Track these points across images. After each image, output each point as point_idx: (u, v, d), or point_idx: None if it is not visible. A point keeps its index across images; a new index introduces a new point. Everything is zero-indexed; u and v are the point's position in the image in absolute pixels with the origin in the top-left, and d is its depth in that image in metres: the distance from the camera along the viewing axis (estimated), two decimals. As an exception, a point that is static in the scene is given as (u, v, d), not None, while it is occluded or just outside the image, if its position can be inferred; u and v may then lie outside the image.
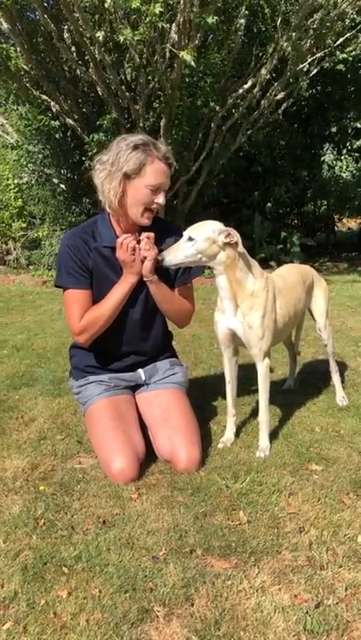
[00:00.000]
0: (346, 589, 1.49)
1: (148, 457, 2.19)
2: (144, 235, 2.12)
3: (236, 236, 2.14)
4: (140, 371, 2.35)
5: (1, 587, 1.52)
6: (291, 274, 2.68)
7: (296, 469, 2.14)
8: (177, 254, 2.12)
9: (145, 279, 2.18)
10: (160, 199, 2.15)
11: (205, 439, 2.36)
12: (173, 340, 2.59)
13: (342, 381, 2.98)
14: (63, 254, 2.22)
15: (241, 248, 2.17)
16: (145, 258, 2.13)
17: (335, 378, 2.90)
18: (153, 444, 2.22)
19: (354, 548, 1.67)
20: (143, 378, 2.35)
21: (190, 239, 2.12)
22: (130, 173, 2.09)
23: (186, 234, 2.15)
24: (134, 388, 2.37)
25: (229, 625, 1.37)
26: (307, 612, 1.41)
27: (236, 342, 2.39)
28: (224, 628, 1.36)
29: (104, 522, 1.80)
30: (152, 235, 2.13)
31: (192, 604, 1.44)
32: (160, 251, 2.15)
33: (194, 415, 2.30)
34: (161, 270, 2.19)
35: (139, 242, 2.14)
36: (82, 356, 2.35)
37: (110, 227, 2.23)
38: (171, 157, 2.16)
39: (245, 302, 2.25)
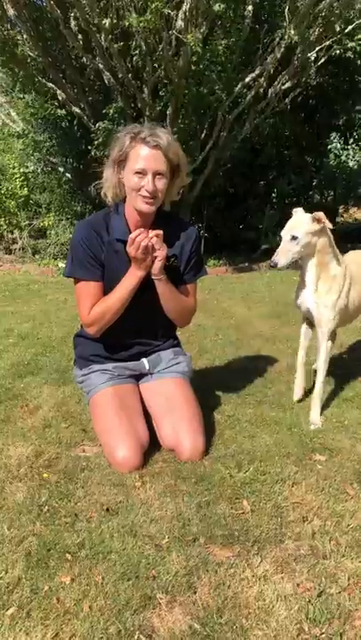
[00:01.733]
0: (348, 579, 1.49)
1: (152, 446, 2.19)
2: (152, 233, 2.08)
3: (324, 219, 2.35)
4: (144, 360, 2.35)
5: (5, 572, 1.52)
6: None
7: (300, 459, 2.14)
8: (287, 256, 2.35)
9: (153, 277, 2.17)
10: (149, 185, 2.06)
11: (209, 428, 2.36)
12: (178, 330, 2.58)
13: (349, 374, 2.97)
14: (76, 245, 2.19)
15: (329, 225, 2.37)
16: (155, 257, 2.12)
17: None
18: (157, 433, 2.22)
19: (357, 537, 1.67)
20: (147, 367, 2.35)
21: (294, 238, 2.34)
22: (117, 160, 2.10)
23: (287, 234, 2.36)
24: (138, 377, 2.36)
25: (232, 613, 1.38)
26: (309, 601, 1.41)
27: (310, 316, 2.60)
28: (226, 616, 1.37)
29: (107, 509, 1.81)
30: (161, 232, 2.08)
31: (195, 592, 1.45)
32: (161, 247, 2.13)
33: (198, 404, 2.30)
34: (168, 268, 2.18)
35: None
36: (86, 344, 2.35)
37: (124, 219, 2.20)
38: (161, 139, 2.06)
39: (326, 284, 2.46)
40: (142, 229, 2.09)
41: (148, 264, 2.12)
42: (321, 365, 2.55)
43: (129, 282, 2.15)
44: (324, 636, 1.30)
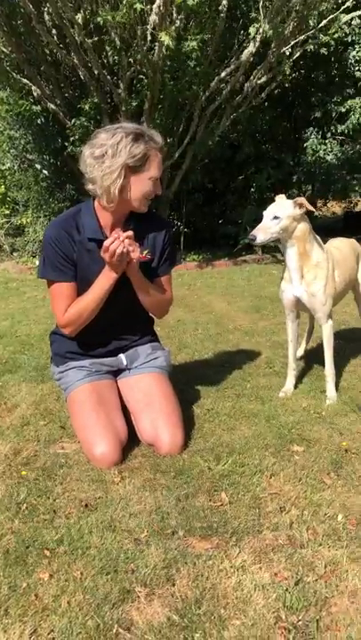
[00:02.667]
0: (325, 567, 1.51)
1: (131, 441, 2.19)
2: (123, 235, 2.07)
3: (305, 203, 2.44)
4: (122, 355, 2.35)
5: (-18, 571, 1.52)
6: (344, 246, 2.98)
7: (278, 450, 2.15)
8: (266, 233, 2.43)
9: (128, 274, 2.17)
10: (159, 190, 2.17)
11: (188, 422, 2.37)
12: (158, 325, 2.59)
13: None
14: (47, 247, 2.17)
15: (310, 208, 2.45)
16: (131, 259, 2.11)
17: None
18: (136, 428, 2.22)
19: (334, 526, 1.69)
20: (125, 363, 2.35)
21: (276, 218, 2.43)
22: (135, 166, 2.05)
23: (270, 213, 2.45)
24: (116, 372, 2.36)
25: (210, 603, 1.39)
26: (286, 590, 1.42)
27: (299, 308, 2.72)
28: (205, 607, 1.37)
29: (86, 505, 1.81)
30: (131, 234, 2.07)
31: (173, 584, 1.46)
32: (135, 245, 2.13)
33: (176, 398, 2.31)
34: (142, 262, 2.19)
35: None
36: (62, 342, 2.34)
37: (94, 216, 2.18)
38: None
39: (310, 272, 2.56)
40: (115, 235, 2.06)
41: (123, 266, 2.12)
42: (327, 346, 2.69)
43: (103, 282, 2.14)
44: (300, 623, 1.32)
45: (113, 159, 2.02)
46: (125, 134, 2.03)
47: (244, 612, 1.36)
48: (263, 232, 2.44)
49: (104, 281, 2.14)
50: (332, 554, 1.56)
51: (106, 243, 2.05)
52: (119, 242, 2.04)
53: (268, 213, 2.47)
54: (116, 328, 2.32)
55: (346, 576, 1.47)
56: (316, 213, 12.18)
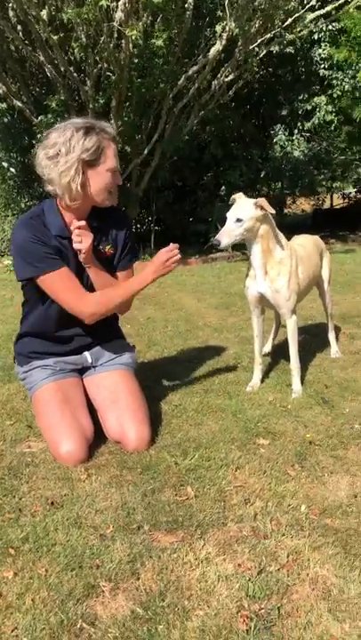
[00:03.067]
0: (288, 556, 1.54)
1: (98, 438, 2.19)
2: (75, 225, 2.08)
3: (265, 205, 2.46)
4: (87, 353, 2.34)
5: None
6: (308, 243, 3.02)
7: (244, 444, 2.18)
8: (230, 236, 2.44)
9: (84, 265, 2.17)
10: (119, 180, 2.16)
11: (156, 418, 2.38)
12: (127, 323, 2.59)
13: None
14: (25, 245, 2.10)
15: (271, 210, 2.47)
16: (80, 250, 2.12)
17: (331, 335, 3.28)
18: (102, 425, 2.22)
19: (297, 516, 1.72)
20: (90, 360, 2.34)
21: (238, 220, 2.43)
22: (91, 160, 2.05)
23: (232, 215, 2.45)
24: (81, 370, 2.36)
25: (174, 595, 1.40)
26: (249, 580, 1.45)
27: (263, 304, 2.74)
28: (169, 599, 1.39)
29: (52, 503, 1.81)
30: (83, 223, 2.10)
31: (138, 578, 1.47)
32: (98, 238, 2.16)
33: (143, 395, 2.32)
34: (104, 256, 2.20)
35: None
36: (25, 342, 2.32)
37: (58, 214, 2.17)
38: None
39: (274, 269, 2.59)
40: (77, 232, 2.10)
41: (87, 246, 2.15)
42: (291, 340, 2.72)
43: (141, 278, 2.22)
44: (263, 611, 1.34)
45: (67, 156, 2.01)
46: (76, 129, 2.04)
47: (208, 602, 1.38)
48: (227, 236, 2.45)
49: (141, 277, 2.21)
50: (294, 543, 1.59)
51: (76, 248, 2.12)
52: (85, 241, 2.08)
53: (230, 216, 2.47)
54: (81, 326, 2.31)
55: (308, 564, 1.50)
56: (286, 211, 12.31)
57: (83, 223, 2.09)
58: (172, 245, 2.18)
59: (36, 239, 2.10)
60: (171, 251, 2.16)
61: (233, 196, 2.60)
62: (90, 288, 2.23)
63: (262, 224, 2.51)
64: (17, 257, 2.16)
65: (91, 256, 2.16)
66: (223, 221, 2.53)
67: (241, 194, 2.61)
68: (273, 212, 2.50)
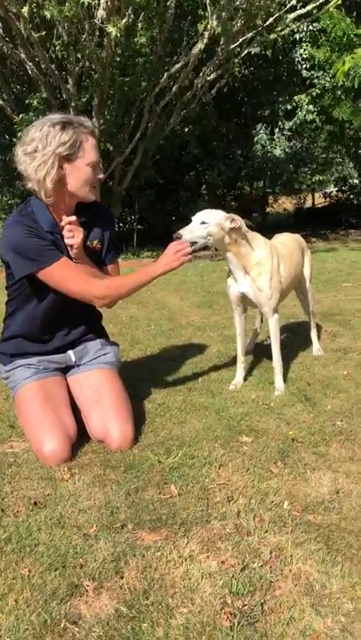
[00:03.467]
0: (271, 552, 1.55)
1: (82, 437, 2.19)
2: (65, 220, 2.08)
3: (239, 221, 2.46)
4: (70, 352, 2.34)
5: None
6: (289, 241, 3.03)
7: (227, 442, 2.19)
8: (192, 233, 2.39)
9: (75, 261, 2.17)
10: (100, 174, 2.16)
11: (140, 417, 2.38)
12: (110, 322, 2.59)
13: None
14: (21, 242, 2.08)
15: (244, 229, 2.50)
16: (71, 246, 2.13)
17: (313, 333, 3.29)
18: (86, 424, 2.21)
19: (280, 513, 1.73)
20: (73, 359, 2.34)
21: (203, 223, 2.41)
22: (68, 155, 2.04)
23: (198, 218, 2.42)
24: (65, 369, 2.35)
25: (158, 593, 1.40)
26: (233, 576, 1.45)
27: (245, 303, 2.75)
28: (152, 597, 1.39)
29: (35, 503, 1.80)
30: (73, 218, 2.11)
31: (122, 577, 1.47)
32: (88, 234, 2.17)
33: (126, 394, 2.31)
34: (89, 251, 2.21)
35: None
36: (9, 341, 2.31)
37: (47, 210, 2.16)
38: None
39: (254, 270, 2.59)
40: (68, 227, 2.11)
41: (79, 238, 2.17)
42: (273, 339, 2.74)
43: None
44: (246, 607, 1.35)
45: (44, 151, 2.02)
46: (52, 124, 2.04)
47: (192, 599, 1.38)
48: (190, 232, 2.38)
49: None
50: (277, 540, 1.60)
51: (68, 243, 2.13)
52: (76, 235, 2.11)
53: (195, 218, 2.44)
54: (65, 324, 2.30)
55: (290, 560, 1.51)
56: (268, 210, 12.37)
57: (73, 218, 2.10)
58: (180, 238, 2.25)
59: (32, 234, 2.08)
60: (180, 244, 2.20)
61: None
62: None
63: (228, 235, 2.48)
64: (14, 255, 2.10)
65: (82, 251, 2.17)
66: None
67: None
68: (245, 230, 2.51)
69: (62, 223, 2.07)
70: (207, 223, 2.42)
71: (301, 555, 1.53)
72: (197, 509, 1.75)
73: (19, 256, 2.10)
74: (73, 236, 2.11)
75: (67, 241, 2.12)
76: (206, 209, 2.54)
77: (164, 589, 1.42)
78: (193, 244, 2.35)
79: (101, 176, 2.16)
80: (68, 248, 2.15)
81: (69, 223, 2.09)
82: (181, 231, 2.40)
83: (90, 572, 1.48)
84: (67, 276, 2.12)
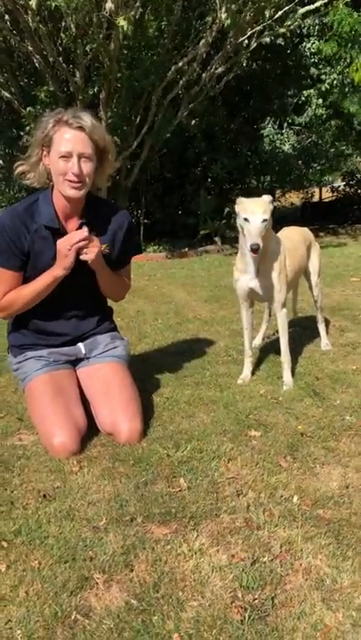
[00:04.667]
0: (281, 546, 1.54)
1: (91, 430, 2.19)
2: (78, 237, 2.08)
3: (271, 199, 2.48)
4: (80, 345, 2.33)
5: None
6: (294, 235, 3.01)
7: (236, 436, 2.18)
8: (260, 236, 2.38)
9: (93, 268, 2.17)
10: (74, 167, 2.04)
11: (148, 411, 2.38)
12: (118, 316, 2.59)
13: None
14: (2, 231, 2.14)
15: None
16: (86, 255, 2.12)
17: (321, 327, 3.27)
18: (95, 417, 2.21)
19: (289, 507, 1.72)
20: (83, 352, 2.33)
21: (264, 220, 2.40)
22: (40, 143, 2.07)
23: (260, 218, 2.39)
24: (75, 362, 2.35)
25: (168, 587, 1.40)
26: (243, 570, 1.45)
27: (253, 297, 2.75)
28: (163, 590, 1.39)
29: (44, 496, 1.80)
30: (85, 233, 2.10)
31: (132, 570, 1.47)
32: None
33: (135, 388, 2.31)
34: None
35: (81, 226, 2.14)
36: (19, 332, 2.31)
37: (51, 204, 2.16)
38: (85, 121, 2.04)
39: (265, 263, 2.59)
40: (81, 231, 2.09)
41: (70, 263, 2.10)
42: (282, 333, 2.73)
43: (46, 279, 2.14)
44: (256, 601, 1.35)
45: (33, 144, 2.10)
46: (53, 114, 2.07)
47: (202, 593, 1.38)
48: (258, 238, 2.38)
49: (47, 278, 2.14)
50: (287, 534, 1.60)
51: (68, 235, 2.09)
52: (79, 236, 2.08)
53: (258, 218, 2.40)
54: (75, 317, 2.30)
55: (301, 555, 1.51)
56: (275, 204, 12.32)
57: (85, 233, 2.07)
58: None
59: (9, 235, 2.12)
60: (66, 240, 2.09)
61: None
62: (84, 285, 2.24)
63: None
64: None
65: (99, 262, 2.16)
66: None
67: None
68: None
69: (76, 237, 2.07)
70: (267, 219, 2.41)
71: (312, 549, 1.52)
72: (207, 503, 1.75)
73: None
74: (87, 252, 2.09)
75: (81, 257, 2.10)
76: (255, 204, 2.45)
77: (174, 583, 1.42)
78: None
79: (75, 170, 2.04)
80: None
81: (83, 240, 2.07)
82: (257, 240, 2.36)
83: (100, 565, 1.48)
84: None
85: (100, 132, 2.09)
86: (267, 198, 2.49)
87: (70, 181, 2.06)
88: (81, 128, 2.03)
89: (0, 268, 2.17)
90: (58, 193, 2.14)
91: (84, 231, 2.09)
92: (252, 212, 2.41)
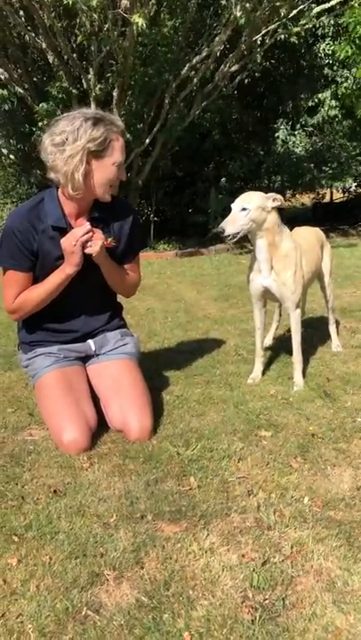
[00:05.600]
0: (291, 547, 1.54)
1: (101, 427, 2.19)
2: (82, 231, 2.07)
3: (281, 199, 2.47)
4: (90, 341, 2.34)
5: None
6: (309, 235, 3.00)
7: (246, 435, 2.18)
8: (235, 225, 2.39)
9: (97, 262, 2.17)
10: (123, 175, 2.13)
11: (158, 409, 2.38)
12: (127, 313, 2.59)
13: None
14: (8, 236, 2.14)
15: (284, 204, 2.50)
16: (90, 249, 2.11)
17: (332, 329, 3.26)
18: (105, 414, 2.21)
19: (300, 508, 1.72)
20: (93, 348, 2.34)
21: (244, 209, 2.39)
22: (97, 151, 2.03)
23: (238, 205, 2.41)
24: (84, 359, 2.35)
25: (178, 585, 1.40)
26: (253, 570, 1.45)
27: (267, 297, 2.73)
28: (173, 588, 1.39)
29: (55, 491, 1.80)
30: (88, 226, 2.09)
31: (142, 567, 1.47)
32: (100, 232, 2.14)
33: (145, 385, 2.31)
34: (107, 249, 2.19)
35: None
36: (30, 329, 2.32)
37: (58, 204, 2.16)
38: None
39: (280, 262, 2.56)
40: (84, 227, 2.08)
41: (78, 260, 2.09)
42: (294, 334, 2.72)
43: (56, 278, 2.14)
44: (267, 601, 1.34)
45: (74, 144, 2.01)
46: (85, 119, 2.03)
47: (212, 592, 1.38)
48: (232, 224, 2.41)
49: (58, 276, 2.14)
50: (298, 535, 1.59)
51: (72, 232, 2.07)
52: (82, 231, 2.06)
53: (236, 205, 2.44)
54: (85, 313, 2.31)
55: (311, 556, 1.50)
56: (286, 204, 12.28)
57: (88, 227, 2.07)
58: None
59: (18, 237, 2.12)
60: (72, 236, 2.08)
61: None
62: (93, 282, 2.24)
63: (269, 215, 2.49)
64: (1, 242, 2.19)
65: (103, 255, 2.15)
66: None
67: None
68: (285, 206, 2.51)
69: (78, 230, 2.06)
70: (248, 209, 2.40)
71: (323, 551, 1.52)
72: (217, 502, 1.75)
73: (1, 244, 2.17)
74: (91, 245, 2.09)
75: (86, 251, 2.10)
76: (246, 192, 2.52)
77: (184, 581, 1.42)
78: (234, 235, 2.36)
79: (124, 177, 2.14)
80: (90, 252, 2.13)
81: (87, 232, 2.07)
82: (223, 225, 2.39)
83: (110, 562, 1.48)
84: (7, 284, 2.20)
85: None
86: (267, 195, 2.48)
87: (112, 187, 2.12)
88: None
89: (12, 270, 2.18)
90: (65, 193, 2.13)
91: (86, 225, 2.09)
92: (237, 200, 2.46)
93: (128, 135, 7.12)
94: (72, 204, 2.15)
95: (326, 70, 9.03)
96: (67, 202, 2.15)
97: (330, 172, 10.94)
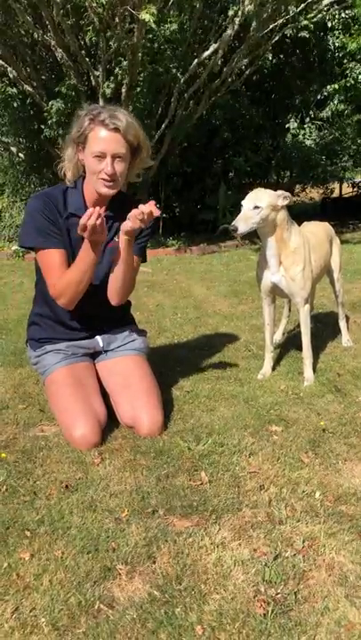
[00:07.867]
0: (303, 542, 1.54)
1: (111, 423, 2.20)
2: (96, 212, 1.99)
3: (289, 196, 2.49)
4: (98, 338, 2.34)
5: None
6: (318, 231, 2.99)
7: (257, 431, 2.18)
8: (247, 223, 2.41)
9: (125, 237, 2.08)
10: (108, 168, 2.05)
11: (168, 404, 2.38)
12: (137, 310, 2.58)
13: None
14: (33, 214, 2.13)
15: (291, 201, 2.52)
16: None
17: (342, 324, 3.25)
18: (115, 410, 2.22)
19: (311, 503, 1.72)
20: (101, 345, 2.34)
21: (256, 207, 2.41)
22: (76, 141, 2.09)
23: (249, 203, 2.42)
24: (93, 355, 2.36)
25: (190, 579, 1.40)
26: (265, 564, 1.45)
27: (276, 293, 2.72)
28: (185, 583, 1.39)
29: (67, 486, 1.81)
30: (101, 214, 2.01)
31: (154, 562, 1.47)
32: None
33: (155, 380, 2.31)
34: (113, 245, 2.18)
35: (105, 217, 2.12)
36: (37, 326, 2.33)
37: (82, 195, 2.18)
38: (120, 120, 2.04)
39: (288, 258, 2.57)
40: (90, 211, 2.00)
41: (100, 226, 1.98)
42: (304, 329, 2.71)
43: (83, 255, 2.07)
44: (279, 595, 1.34)
45: (69, 138, 2.12)
46: (84, 112, 2.08)
47: (224, 586, 1.38)
48: (244, 222, 2.41)
49: (84, 254, 2.07)
50: (309, 529, 1.59)
51: (90, 210, 1.97)
52: (93, 215, 1.97)
53: (247, 203, 2.44)
54: (93, 310, 2.30)
55: (323, 550, 1.50)
56: (294, 199, 12.22)
57: (101, 212, 2.02)
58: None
59: (46, 213, 2.13)
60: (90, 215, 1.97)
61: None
62: (101, 279, 2.23)
63: (279, 213, 2.49)
64: (25, 224, 2.19)
65: (99, 250, 2.10)
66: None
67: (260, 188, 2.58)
68: (291, 202, 2.52)
69: (92, 215, 1.98)
70: (260, 207, 2.42)
71: (335, 545, 1.52)
72: (228, 497, 1.75)
73: (28, 227, 2.16)
74: (90, 215, 1.96)
75: (82, 219, 2.04)
76: (257, 189, 2.53)
77: (196, 575, 1.42)
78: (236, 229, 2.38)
79: (108, 171, 2.05)
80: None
81: (98, 217, 2.02)
82: (235, 222, 2.40)
83: (122, 556, 1.49)
84: (45, 268, 2.17)
85: (134, 131, 2.08)
86: (277, 192, 2.48)
87: (103, 180, 2.08)
88: (116, 129, 2.03)
89: (48, 249, 2.13)
90: (89, 184, 2.15)
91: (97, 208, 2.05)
92: (248, 198, 2.46)
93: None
94: (94, 196, 2.17)
95: (336, 61, 8.93)
96: (89, 193, 2.18)
97: (340, 165, 10.85)
